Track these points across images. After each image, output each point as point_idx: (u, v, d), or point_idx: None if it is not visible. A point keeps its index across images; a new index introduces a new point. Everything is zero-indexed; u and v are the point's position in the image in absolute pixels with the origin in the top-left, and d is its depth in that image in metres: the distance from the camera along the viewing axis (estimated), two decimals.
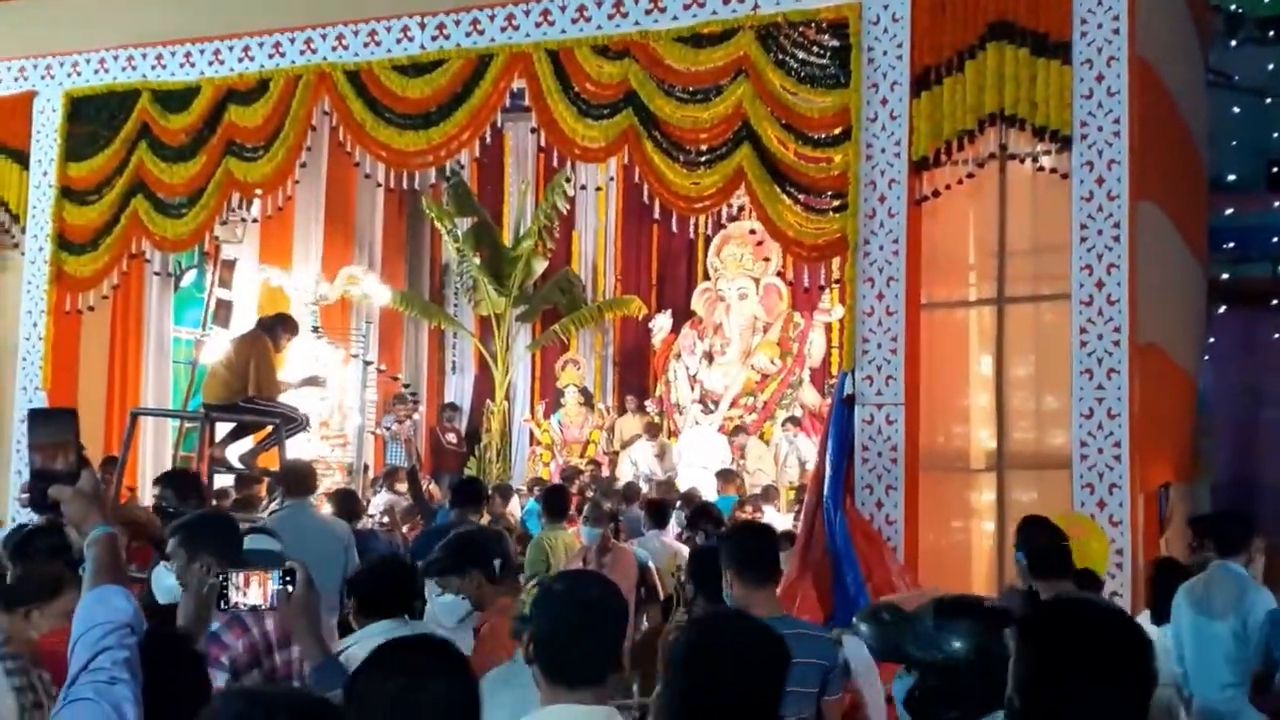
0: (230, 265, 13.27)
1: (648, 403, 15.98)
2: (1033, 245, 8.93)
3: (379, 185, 12.84)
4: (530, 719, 2.82)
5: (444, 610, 4.84)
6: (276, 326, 10.00)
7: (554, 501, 8.51)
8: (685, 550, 8.76)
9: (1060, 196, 8.35)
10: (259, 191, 11.11)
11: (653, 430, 15.13)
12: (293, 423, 9.75)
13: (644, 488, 12.71)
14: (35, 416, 2.70)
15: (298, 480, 7.72)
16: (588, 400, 16.15)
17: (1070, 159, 8.23)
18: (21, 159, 11.47)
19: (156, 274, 12.52)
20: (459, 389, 17.49)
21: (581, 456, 15.56)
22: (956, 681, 2.99)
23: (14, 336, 11.49)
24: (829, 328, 15.24)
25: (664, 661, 2.52)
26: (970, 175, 8.62)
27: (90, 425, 11.78)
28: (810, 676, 4.21)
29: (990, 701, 2.58)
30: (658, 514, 9.42)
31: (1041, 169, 8.50)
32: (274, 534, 5.65)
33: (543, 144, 10.64)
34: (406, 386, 15.84)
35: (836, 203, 8.85)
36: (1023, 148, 8.52)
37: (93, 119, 11.30)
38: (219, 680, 4.17)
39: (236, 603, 2.82)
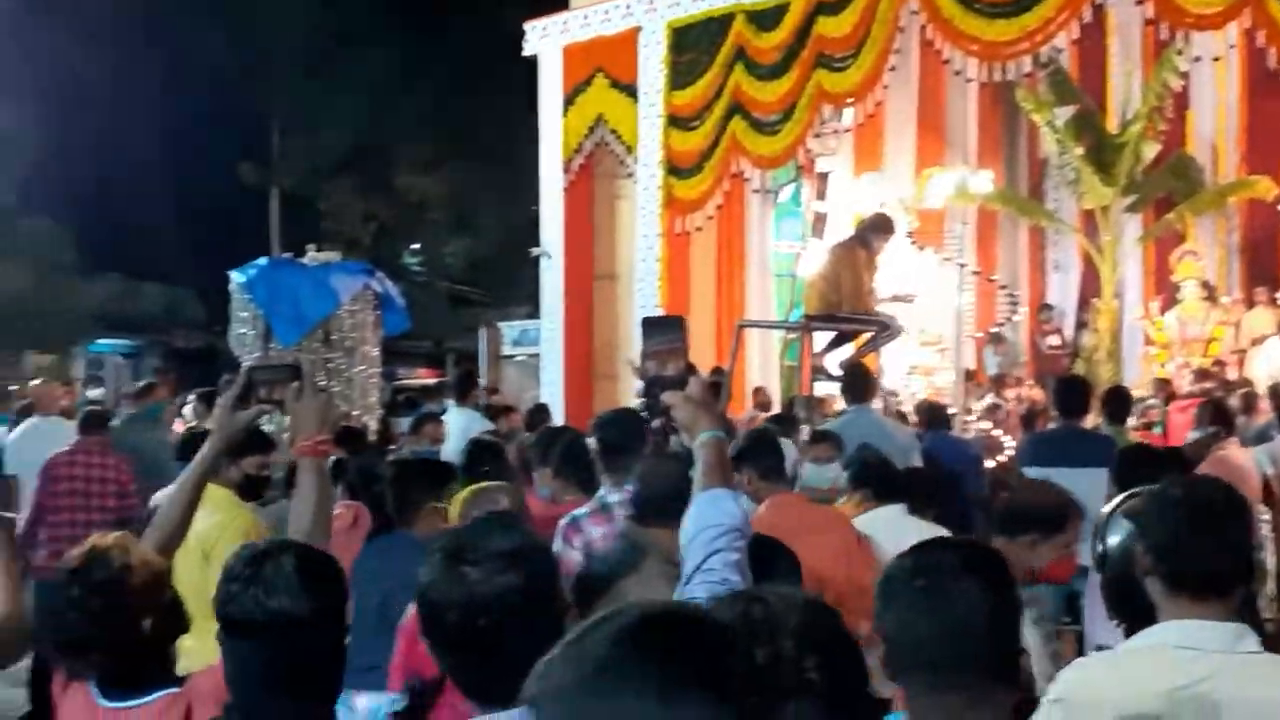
0: (824, 177, 13.46)
1: None
2: None
3: (969, 81, 12.42)
4: (1148, 634, 2.55)
5: None
6: (872, 230, 10.00)
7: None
8: None
9: None
10: (850, 100, 11.14)
11: None
12: (888, 330, 9.74)
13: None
14: (647, 324, 2.78)
15: (858, 385, 7.63)
16: (1209, 294, 14.73)
17: None
18: (630, 92, 12.31)
19: (755, 191, 12.98)
20: (1061, 288, 16.63)
21: (1204, 356, 14.25)
22: None
23: (632, 260, 12.43)
24: None
25: None
26: None
27: (701, 338, 12.54)
28: None
29: None
30: None
31: None
32: (836, 437, 5.69)
33: (1150, 16, 9.73)
34: (1004, 288, 15.32)
35: None
36: None
37: (692, 46, 11.87)
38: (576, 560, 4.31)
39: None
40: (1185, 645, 2.47)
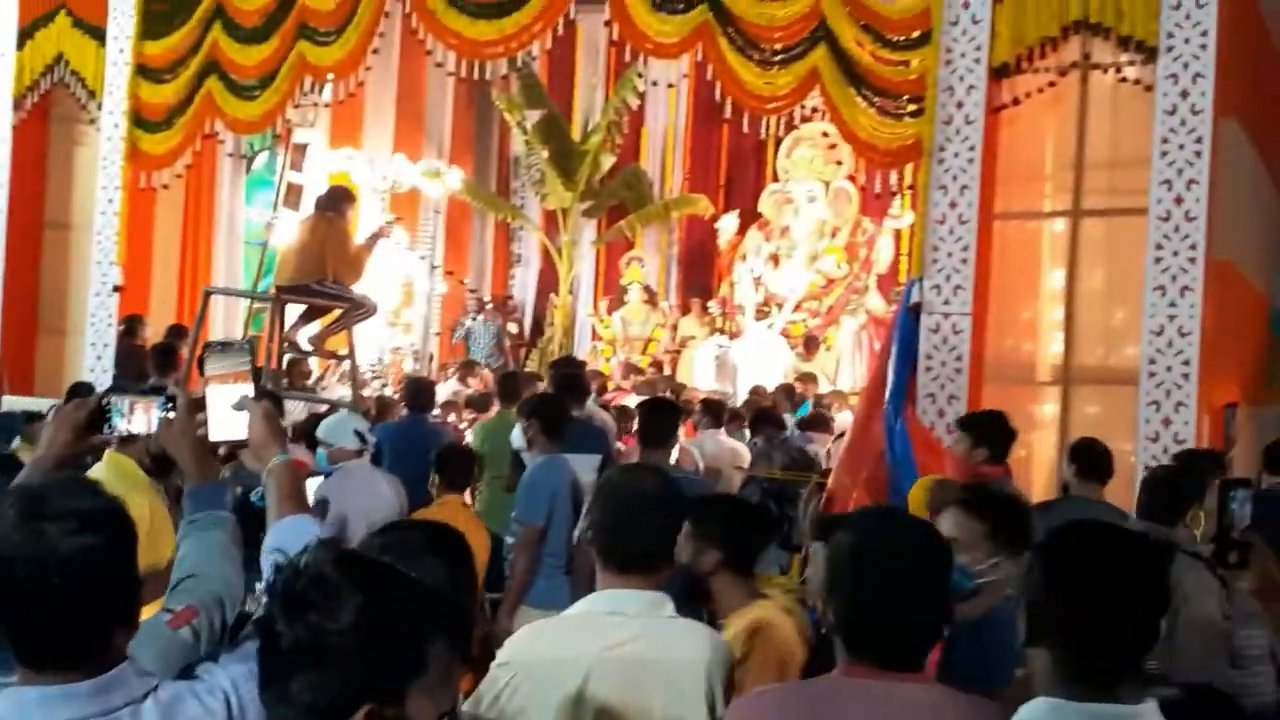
0: (301, 149, 13.28)
1: (711, 303, 15.99)
2: (1111, 158, 8.76)
3: (450, 75, 12.77)
4: (585, 602, 2.90)
5: None
6: (338, 201, 10.08)
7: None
8: (745, 450, 8.83)
9: (1142, 109, 8.17)
10: (331, 76, 11.10)
11: (715, 332, 15.30)
12: (362, 309, 9.88)
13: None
14: (211, 349, 2.65)
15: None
16: (651, 298, 16.16)
17: (1155, 71, 8.02)
18: (99, 35, 11.52)
19: (229, 155, 12.62)
20: (523, 282, 17.57)
21: (643, 354, 15.62)
22: None
23: (89, 212, 11.67)
24: (898, 234, 15.07)
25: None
26: (1051, 84, 8.44)
27: (163, 303, 12.02)
28: None
29: None
30: (714, 413, 9.48)
31: (1124, 80, 8.31)
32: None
33: (615, 38, 10.51)
34: (473, 292, 15.96)
35: (913, 107, 8.67)
36: (1106, 58, 8.32)
37: None
38: None
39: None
40: (613, 611, 2.87)
